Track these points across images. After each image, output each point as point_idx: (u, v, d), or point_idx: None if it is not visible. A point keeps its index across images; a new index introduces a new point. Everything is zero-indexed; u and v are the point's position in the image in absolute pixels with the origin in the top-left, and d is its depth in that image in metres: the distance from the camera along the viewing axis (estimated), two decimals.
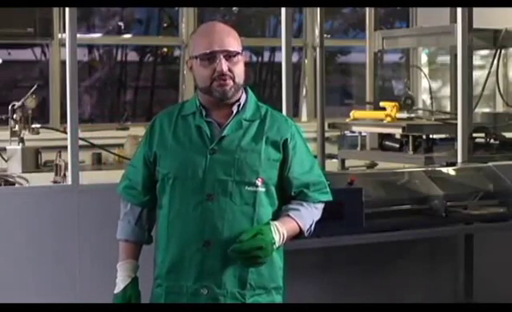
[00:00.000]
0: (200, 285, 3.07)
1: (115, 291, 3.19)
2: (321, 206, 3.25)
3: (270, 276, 3.14)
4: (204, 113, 3.13)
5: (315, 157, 3.29)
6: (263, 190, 3.10)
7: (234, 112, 3.13)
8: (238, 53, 3.10)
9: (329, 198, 3.25)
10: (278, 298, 3.17)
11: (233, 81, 3.08)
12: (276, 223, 3.09)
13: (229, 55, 3.08)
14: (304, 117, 8.34)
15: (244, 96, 3.17)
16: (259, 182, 3.09)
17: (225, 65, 3.06)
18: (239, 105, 3.14)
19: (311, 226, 3.20)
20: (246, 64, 3.18)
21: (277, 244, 3.07)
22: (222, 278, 3.06)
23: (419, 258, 5.26)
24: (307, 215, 3.18)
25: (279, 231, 3.08)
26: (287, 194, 3.18)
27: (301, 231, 3.17)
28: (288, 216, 3.14)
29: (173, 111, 3.21)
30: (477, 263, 5.34)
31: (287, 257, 3.27)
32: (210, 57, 3.07)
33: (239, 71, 3.10)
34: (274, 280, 3.16)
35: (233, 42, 3.10)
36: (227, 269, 3.06)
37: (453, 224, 4.89)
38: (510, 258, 5.42)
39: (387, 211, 4.72)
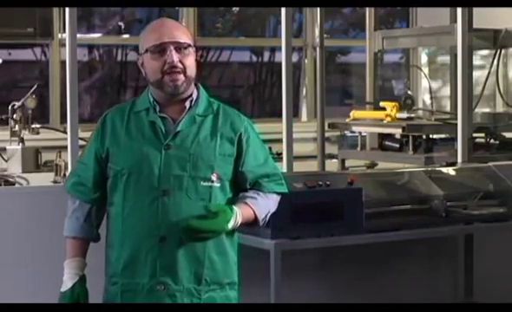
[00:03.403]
0: (155, 282, 3.04)
1: (62, 289, 3.15)
2: (276, 198, 3.23)
3: (225, 271, 3.13)
4: (158, 108, 3.13)
5: (273, 153, 3.26)
6: (218, 185, 3.08)
7: (187, 107, 3.13)
8: (188, 45, 3.09)
9: (284, 189, 3.24)
10: (232, 294, 3.15)
11: (185, 74, 3.07)
12: (237, 211, 3.06)
13: (180, 47, 3.07)
14: (304, 117, 8.31)
15: (196, 92, 3.17)
16: (214, 177, 3.07)
17: (175, 56, 3.05)
18: (191, 100, 3.14)
19: (266, 216, 3.17)
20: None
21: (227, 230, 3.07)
22: (178, 274, 3.04)
23: (419, 258, 5.26)
24: (263, 204, 3.16)
25: (236, 220, 3.06)
26: (242, 188, 3.16)
27: (256, 220, 3.14)
28: (246, 203, 3.12)
29: (124, 107, 3.20)
30: (477, 263, 5.35)
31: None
32: (160, 49, 3.07)
33: (191, 64, 3.09)
34: (229, 275, 3.14)
35: (183, 34, 3.11)
36: (183, 265, 3.04)
37: (453, 224, 4.88)
38: (510, 258, 5.42)
39: (387, 211, 4.72)
